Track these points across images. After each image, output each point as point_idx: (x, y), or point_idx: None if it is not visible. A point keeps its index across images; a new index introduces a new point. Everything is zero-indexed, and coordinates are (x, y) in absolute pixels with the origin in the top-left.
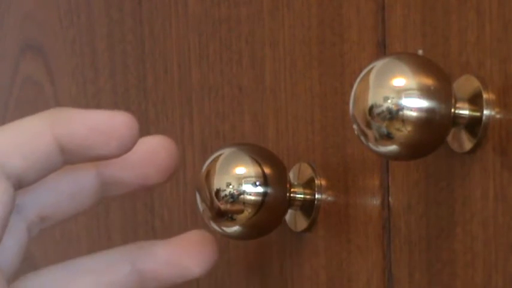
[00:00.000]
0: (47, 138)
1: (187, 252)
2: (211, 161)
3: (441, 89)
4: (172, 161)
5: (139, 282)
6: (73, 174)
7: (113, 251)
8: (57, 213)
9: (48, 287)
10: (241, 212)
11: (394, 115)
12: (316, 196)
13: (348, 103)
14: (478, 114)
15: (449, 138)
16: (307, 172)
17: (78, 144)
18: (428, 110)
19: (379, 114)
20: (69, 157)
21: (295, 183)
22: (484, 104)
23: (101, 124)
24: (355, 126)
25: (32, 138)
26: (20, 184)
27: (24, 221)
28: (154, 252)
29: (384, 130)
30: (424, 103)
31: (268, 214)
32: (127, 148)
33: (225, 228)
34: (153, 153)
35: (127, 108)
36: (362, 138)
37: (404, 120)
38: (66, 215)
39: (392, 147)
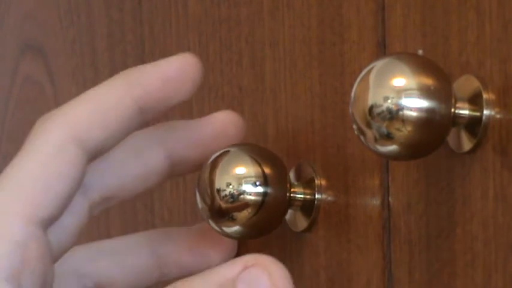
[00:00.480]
0: (127, 103)
1: (208, 240)
2: (212, 161)
3: (441, 89)
4: (241, 136)
5: (159, 267)
6: (142, 157)
7: (135, 235)
8: (121, 193)
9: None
10: (241, 211)
11: (394, 115)
12: (316, 196)
13: (348, 103)
14: (478, 114)
15: (449, 138)
16: (307, 172)
17: (155, 99)
18: (428, 110)
19: (379, 114)
20: (145, 115)
21: (295, 183)
22: (484, 104)
23: (173, 72)
24: (355, 126)
25: (112, 106)
26: (99, 153)
27: (87, 201)
28: (175, 238)
29: (384, 130)
30: (424, 103)
31: (268, 214)
32: (196, 88)
33: (225, 228)
34: (221, 129)
35: None
36: (362, 138)
37: (404, 120)
38: (131, 195)
39: (392, 147)
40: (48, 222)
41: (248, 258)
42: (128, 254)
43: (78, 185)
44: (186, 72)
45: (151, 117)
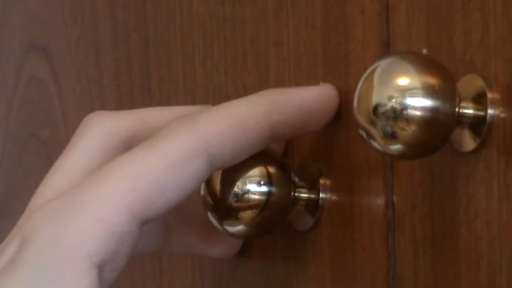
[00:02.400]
0: (264, 127)
1: (218, 232)
2: None
3: (445, 89)
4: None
5: (164, 238)
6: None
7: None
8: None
9: None
10: (246, 211)
11: (398, 114)
12: (321, 196)
13: (352, 102)
14: (482, 113)
15: (453, 137)
16: (312, 172)
17: (291, 128)
18: (432, 109)
19: (383, 113)
20: (275, 139)
21: (300, 182)
22: (489, 103)
23: (315, 104)
24: (359, 126)
25: (249, 128)
26: (220, 168)
27: None
28: (190, 216)
29: (388, 129)
30: (428, 102)
31: (272, 214)
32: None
33: (229, 228)
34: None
35: (131, 108)
36: (366, 137)
37: (408, 120)
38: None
39: (396, 147)
40: (146, 223)
41: None
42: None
43: (188, 195)
44: (326, 105)
45: (278, 141)
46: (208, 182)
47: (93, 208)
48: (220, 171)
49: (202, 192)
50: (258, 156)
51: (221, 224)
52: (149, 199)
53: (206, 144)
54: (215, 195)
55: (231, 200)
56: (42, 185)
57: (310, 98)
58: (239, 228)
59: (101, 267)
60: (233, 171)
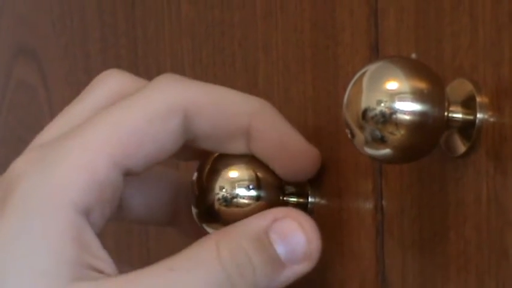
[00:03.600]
0: (242, 122)
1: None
2: (205, 165)
3: (434, 93)
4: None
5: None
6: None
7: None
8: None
9: None
10: (235, 215)
11: (387, 118)
12: (310, 200)
13: (341, 106)
14: (471, 117)
15: (442, 141)
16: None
17: (266, 157)
18: (421, 114)
19: (372, 117)
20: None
21: (289, 187)
22: (478, 107)
23: (296, 154)
24: (348, 130)
25: (226, 112)
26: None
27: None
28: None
29: (377, 134)
30: (417, 107)
31: None
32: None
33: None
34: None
35: None
36: (355, 141)
37: (397, 124)
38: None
39: (385, 151)
40: (128, 174)
41: (277, 211)
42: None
43: (166, 156)
44: (306, 164)
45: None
46: (195, 187)
47: (75, 156)
48: (213, 173)
49: (190, 193)
50: (248, 160)
51: (200, 221)
52: (129, 149)
53: (184, 100)
54: (203, 197)
55: (220, 204)
56: (45, 128)
57: (294, 146)
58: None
59: (86, 214)
60: (223, 175)
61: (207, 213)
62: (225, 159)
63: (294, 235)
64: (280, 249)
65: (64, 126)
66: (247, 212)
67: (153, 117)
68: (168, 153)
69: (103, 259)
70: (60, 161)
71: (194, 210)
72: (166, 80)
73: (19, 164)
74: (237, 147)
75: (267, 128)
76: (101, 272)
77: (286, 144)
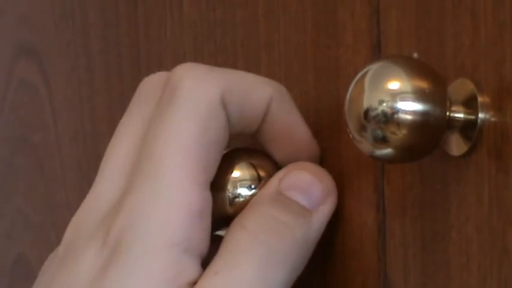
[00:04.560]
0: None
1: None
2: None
3: (436, 92)
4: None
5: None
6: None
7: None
8: None
9: None
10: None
11: (389, 118)
12: None
13: (342, 106)
14: (473, 117)
15: (444, 141)
16: None
17: (271, 140)
18: (423, 113)
19: (374, 117)
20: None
21: None
22: (479, 107)
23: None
24: (349, 130)
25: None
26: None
27: None
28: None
29: (379, 133)
30: (419, 106)
31: None
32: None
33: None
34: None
35: (122, 111)
36: (357, 141)
37: (399, 124)
38: None
39: (387, 151)
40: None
41: (279, 174)
42: None
43: (226, 146)
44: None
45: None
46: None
47: (167, 194)
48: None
49: None
50: (249, 159)
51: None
52: (206, 162)
53: (221, 96)
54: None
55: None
56: (107, 151)
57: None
58: None
59: (191, 249)
60: (223, 175)
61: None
62: (226, 159)
63: (305, 182)
64: (301, 199)
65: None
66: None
67: (207, 120)
68: (224, 146)
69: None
70: (154, 207)
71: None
72: (195, 73)
73: (119, 217)
74: (254, 130)
75: (281, 113)
76: None
77: (294, 132)
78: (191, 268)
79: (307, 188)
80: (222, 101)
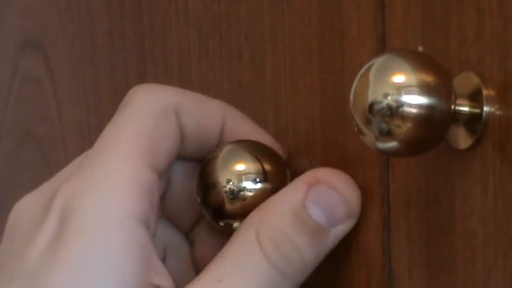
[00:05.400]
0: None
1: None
2: (211, 158)
3: (441, 86)
4: None
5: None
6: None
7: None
8: None
9: None
10: (241, 209)
11: (394, 112)
12: None
13: (347, 99)
14: (477, 110)
15: (449, 134)
16: (307, 169)
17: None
18: (428, 107)
19: (379, 110)
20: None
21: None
22: (484, 100)
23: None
24: (355, 123)
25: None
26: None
27: None
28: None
29: (384, 127)
30: (424, 100)
31: None
32: None
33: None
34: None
35: None
36: (362, 134)
37: (404, 117)
38: None
39: (392, 144)
40: (160, 175)
41: (309, 177)
42: None
43: (177, 153)
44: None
45: None
46: (203, 180)
47: (117, 168)
48: (217, 167)
49: (197, 190)
50: (254, 153)
51: (217, 222)
52: (154, 149)
53: (174, 104)
54: (207, 191)
55: (227, 196)
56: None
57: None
58: (235, 225)
59: (146, 224)
60: (229, 168)
61: (216, 209)
62: (230, 153)
63: (329, 199)
64: (320, 217)
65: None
66: (254, 205)
67: (157, 115)
68: (177, 150)
69: (163, 274)
70: (106, 176)
71: (203, 208)
72: (147, 87)
73: (65, 188)
74: (216, 140)
75: (238, 123)
76: None
77: (256, 138)
78: (148, 243)
79: (331, 209)
80: (175, 110)
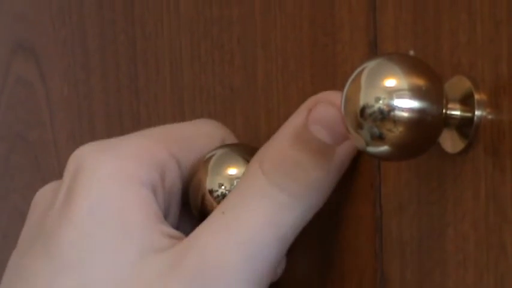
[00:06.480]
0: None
1: None
2: (204, 162)
3: (433, 90)
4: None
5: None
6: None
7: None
8: None
9: None
10: None
11: (385, 116)
12: None
13: (339, 104)
14: (469, 114)
15: (440, 138)
16: None
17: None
18: (419, 111)
19: (370, 114)
20: None
21: None
22: (476, 104)
23: None
24: (346, 127)
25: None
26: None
27: None
28: None
29: (376, 131)
30: (415, 104)
31: None
32: None
33: None
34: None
35: (119, 109)
36: (353, 138)
37: (395, 121)
38: None
39: (383, 148)
40: (179, 162)
41: (308, 102)
42: None
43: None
44: None
45: None
46: (196, 185)
47: (134, 142)
48: (208, 171)
49: (190, 193)
50: (245, 156)
51: None
52: (178, 144)
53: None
54: (201, 196)
55: (218, 201)
56: None
57: None
58: None
59: (152, 189)
60: (220, 172)
61: (207, 214)
62: (222, 157)
63: (330, 115)
64: (323, 135)
65: None
66: None
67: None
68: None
69: (167, 224)
70: (120, 144)
71: (194, 212)
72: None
73: (79, 151)
74: None
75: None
76: (174, 237)
77: None
78: (152, 201)
79: (332, 124)
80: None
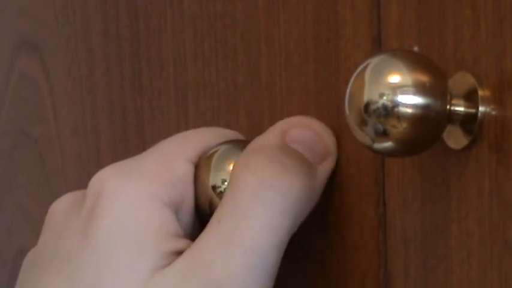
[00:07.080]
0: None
1: None
2: (207, 158)
3: (437, 86)
4: None
5: None
6: None
7: None
8: None
9: None
10: None
11: (389, 112)
12: None
13: (343, 100)
14: (473, 111)
15: (444, 135)
16: None
17: None
18: (423, 107)
19: (374, 111)
20: None
21: None
22: (480, 100)
23: None
24: (350, 123)
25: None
26: None
27: None
28: None
29: (379, 127)
30: (419, 100)
31: None
32: None
33: None
34: None
35: (122, 105)
36: (357, 134)
37: (399, 117)
38: None
39: (387, 144)
40: None
41: (282, 125)
42: None
43: None
44: None
45: None
46: (200, 180)
47: (153, 159)
48: (211, 167)
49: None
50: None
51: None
52: (198, 149)
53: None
54: (208, 192)
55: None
56: None
57: None
58: None
59: (174, 208)
60: (224, 169)
61: (212, 210)
62: (225, 153)
63: (308, 138)
64: (305, 153)
65: None
66: None
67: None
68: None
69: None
70: (140, 166)
71: (199, 208)
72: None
73: (99, 175)
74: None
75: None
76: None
77: None
78: (175, 222)
79: (311, 144)
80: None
